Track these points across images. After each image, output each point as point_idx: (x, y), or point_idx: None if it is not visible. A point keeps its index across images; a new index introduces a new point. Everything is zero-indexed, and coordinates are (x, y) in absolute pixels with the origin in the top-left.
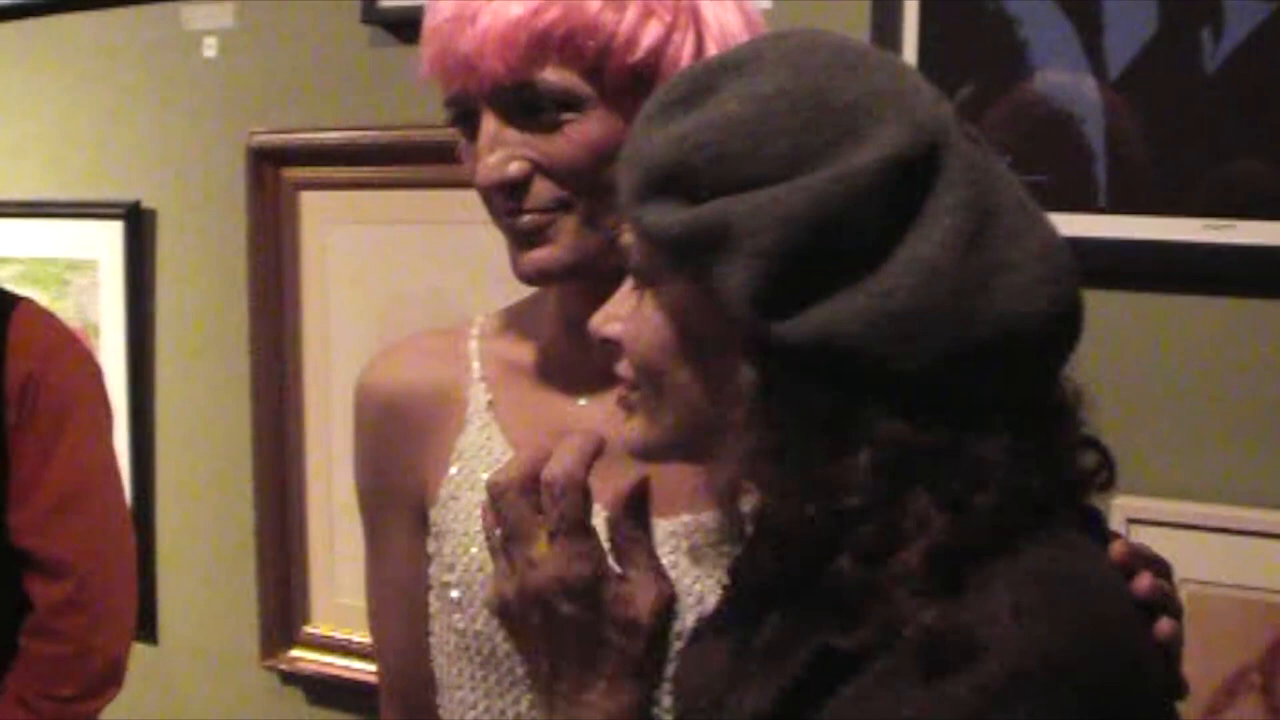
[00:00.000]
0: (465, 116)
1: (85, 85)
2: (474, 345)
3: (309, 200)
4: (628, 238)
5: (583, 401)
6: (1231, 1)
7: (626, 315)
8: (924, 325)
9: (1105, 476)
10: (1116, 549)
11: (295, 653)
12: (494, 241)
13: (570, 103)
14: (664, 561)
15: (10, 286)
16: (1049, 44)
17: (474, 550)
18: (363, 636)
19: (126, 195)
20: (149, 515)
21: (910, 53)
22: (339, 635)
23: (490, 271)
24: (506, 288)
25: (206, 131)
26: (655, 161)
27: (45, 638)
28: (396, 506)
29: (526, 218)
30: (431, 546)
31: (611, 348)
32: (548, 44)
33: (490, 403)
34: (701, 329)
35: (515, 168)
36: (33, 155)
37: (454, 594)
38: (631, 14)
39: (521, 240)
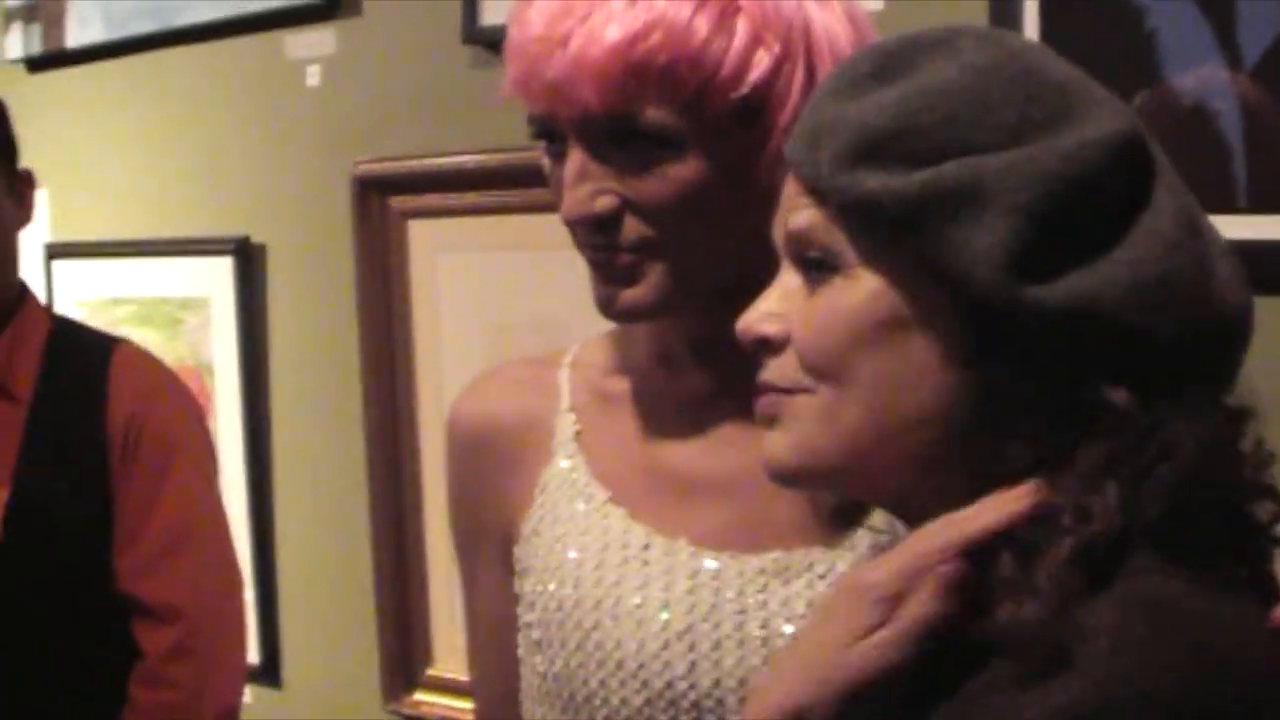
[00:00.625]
0: (550, 135)
1: (191, 120)
2: (564, 374)
3: (416, 229)
4: (801, 219)
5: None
6: None
7: (787, 309)
8: (1172, 296)
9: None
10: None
11: (419, 695)
12: None
13: (667, 140)
14: (750, 601)
15: (126, 328)
16: (1178, 34)
17: (551, 587)
18: None
19: (235, 230)
20: (269, 556)
21: None
22: (463, 677)
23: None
24: None
25: (312, 162)
26: (870, 126)
27: (156, 686)
28: (486, 542)
29: (621, 258)
30: (517, 585)
31: (766, 348)
32: (646, 76)
33: (578, 433)
34: (908, 308)
35: (604, 203)
36: (141, 194)
37: (535, 635)
38: (740, 42)
39: (609, 278)
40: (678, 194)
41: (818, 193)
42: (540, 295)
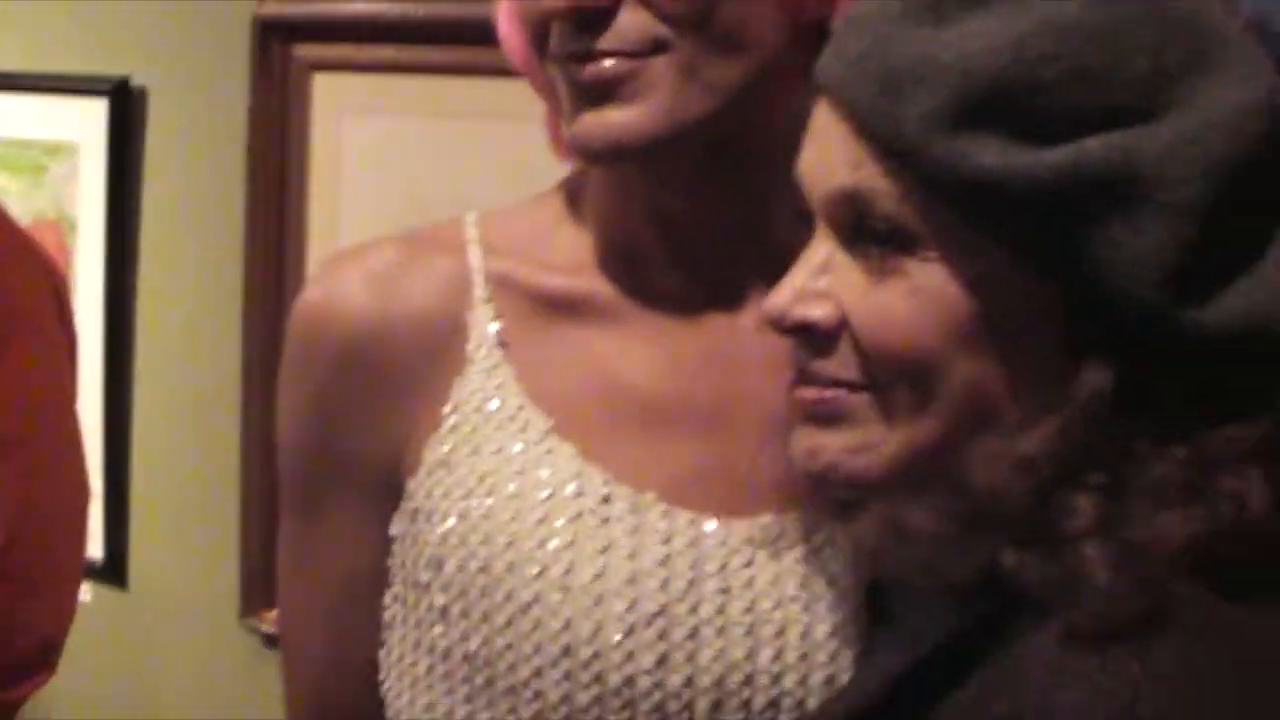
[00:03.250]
0: None
1: None
2: (474, 257)
3: (322, 83)
4: (859, 179)
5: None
6: None
7: (832, 288)
8: None
9: None
10: None
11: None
12: (531, 141)
13: None
14: (735, 579)
15: None
16: None
17: (473, 541)
18: None
19: (114, 70)
20: (124, 446)
21: None
22: None
23: (534, 177)
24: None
25: None
26: (976, 77)
27: None
28: (346, 478)
29: (608, 62)
30: (398, 528)
31: (808, 336)
32: None
33: (501, 337)
34: (1014, 308)
35: None
36: (6, 19)
37: (439, 600)
38: None
39: (592, 93)
40: None
41: (894, 152)
42: (462, 171)
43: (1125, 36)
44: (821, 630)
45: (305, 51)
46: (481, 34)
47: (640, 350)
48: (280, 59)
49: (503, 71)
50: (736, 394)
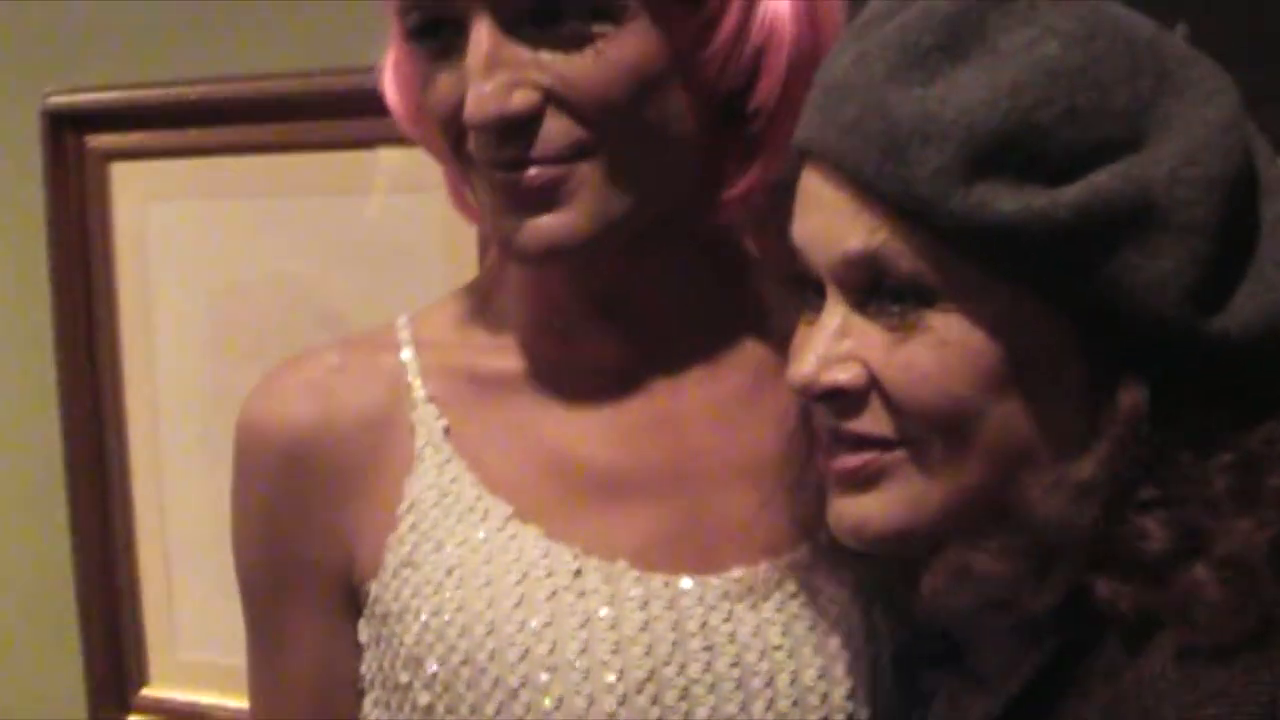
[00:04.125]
0: (433, 28)
1: None
2: (409, 356)
3: (121, 172)
4: (871, 240)
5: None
6: None
7: (856, 349)
8: None
9: None
10: None
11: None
12: (352, 215)
13: (605, 9)
14: (718, 634)
15: None
16: None
17: (451, 634)
18: (212, 697)
19: None
20: None
21: None
22: (181, 697)
23: (348, 250)
24: (373, 269)
25: None
26: (981, 128)
27: None
28: (301, 585)
29: (535, 171)
30: (368, 634)
31: (838, 401)
32: None
33: (447, 430)
34: (1037, 343)
35: (522, 98)
36: None
37: (423, 699)
38: None
39: (522, 202)
40: (617, 78)
41: (908, 212)
42: (271, 249)
43: (1104, 71)
44: (810, 675)
45: (99, 141)
46: (281, 111)
47: (586, 422)
48: (74, 150)
49: (306, 147)
50: (688, 452)
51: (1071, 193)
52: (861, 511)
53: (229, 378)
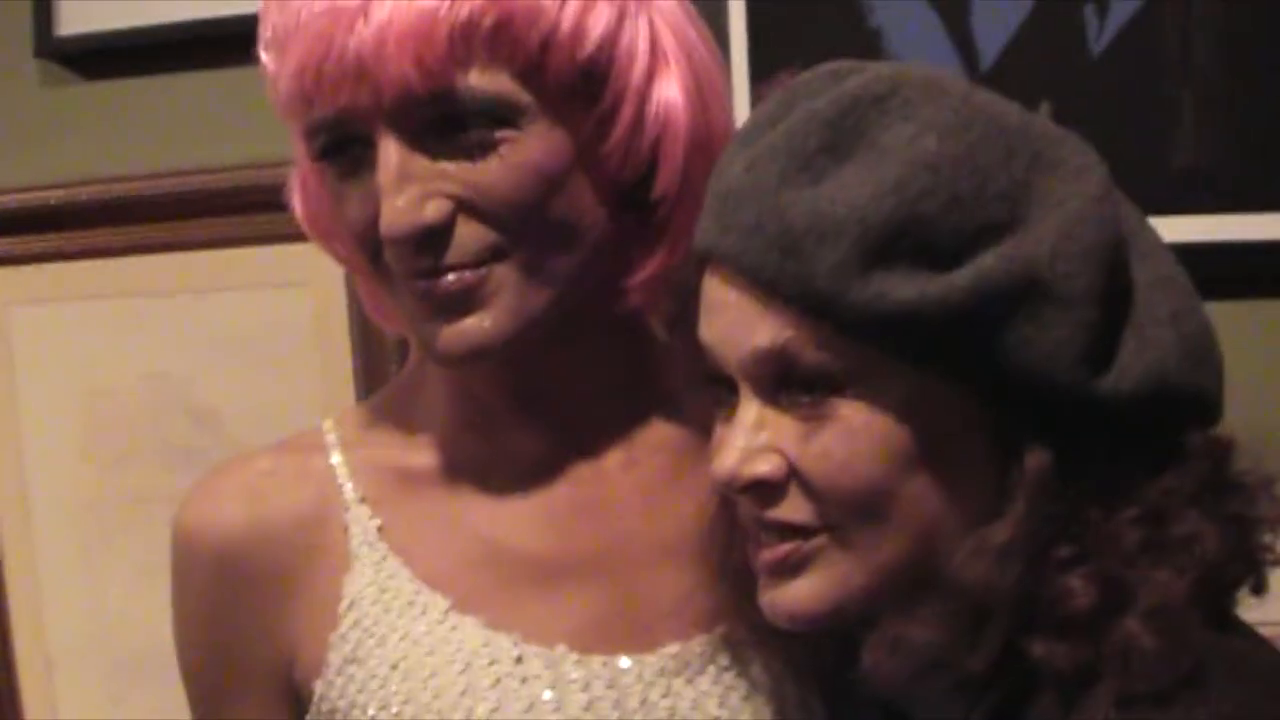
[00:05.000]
0: (340, 146)
1: None
2: (337, 458)
3: None
4: (776, 336)
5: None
6: None
7: (774, 441)
8: (1209, 345)
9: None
10: None
11: None
12: (223, 312)
13: (505, 115)
14: (659, 711)
15: None
16: (908, 31)
17: None
18: None
19: None
20: None
21: (738, 49)
22: None
23: (219, 348)
24: (245, 365)
25: None
26: (872, 223)
27: None
28: (241, 686)
29: (452, 277)
30: None
31: (761, 492)
32: (473, 39)
33: (380, 528)
34: (941, 420)
35: (434, 210)
36: None
37: None
38: None
39: (444, 307)
40: (523, 181)
41: (810, 307)
42: (143, 351)
43: (980, 159)
44: None
45: None
46: (144, 212)
47: (515, 512)
48: None
49: (174, 247)
50: (616, 536)
51: (963, 276)
52: (793, 597)
53: (103, 480)
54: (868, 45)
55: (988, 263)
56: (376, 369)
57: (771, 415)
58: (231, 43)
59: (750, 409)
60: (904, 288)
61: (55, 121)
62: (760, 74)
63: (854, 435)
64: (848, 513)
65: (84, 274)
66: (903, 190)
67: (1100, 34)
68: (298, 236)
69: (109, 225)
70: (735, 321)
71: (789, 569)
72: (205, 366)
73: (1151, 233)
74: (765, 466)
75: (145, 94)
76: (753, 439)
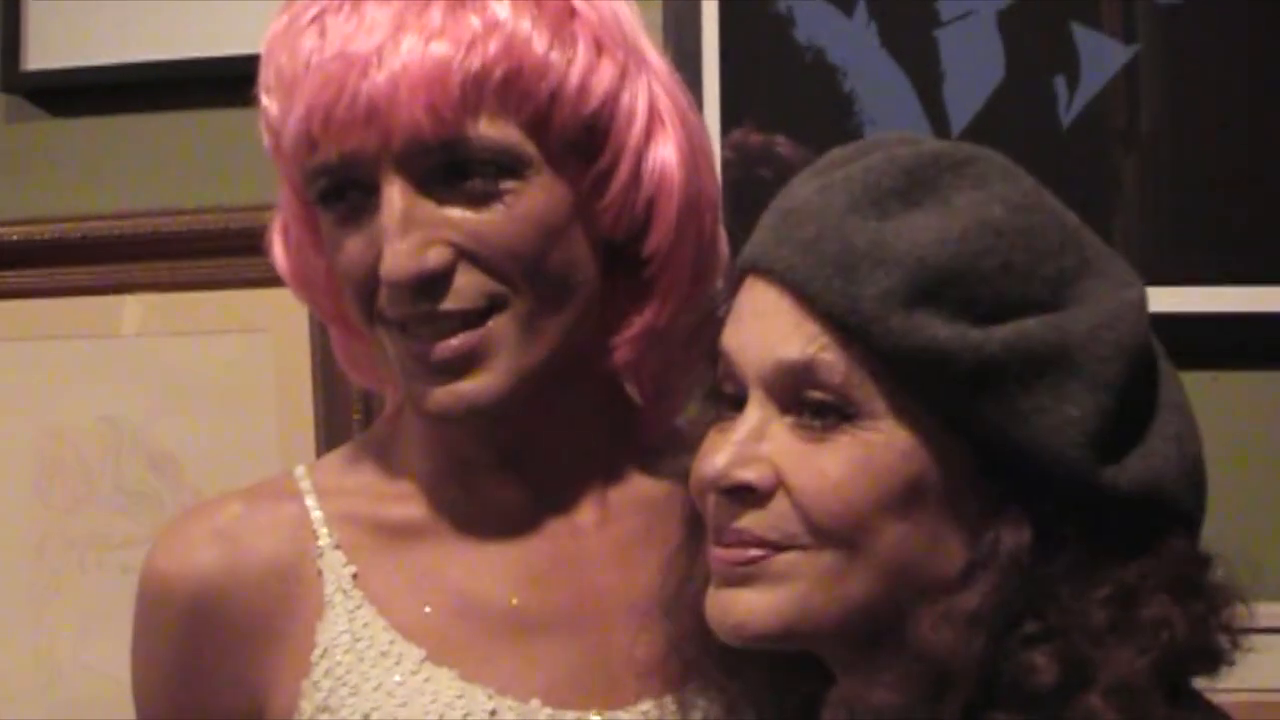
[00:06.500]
0: (340, 191)
1: None
2: (311, 504)
3: None
4: (806, 352)
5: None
6: (1087, 43)
7: (770, 452)
8: (1201, 475)
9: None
10: None
11: None
12: (184, 356)
13: (511, 165)
14: None
15: None
16: (880, 97)
17: None
18: None
19: None
20: None
21: (711, 112)
22: None
23: (183, 393)
24: (204, 410)
25: None
26: (930, 263)
27: None
28: None
29: (455, 341)
30: None
31: (741, 497)
32: (484, 88)
33: (355, 576)
34: (938, 468)
35: (437, 256)
36: None
37: None
38: (583, 54)
39: (442, 369)
40: (525, 231)
41: (848, 325)
42: (98, 392)
43: (1039, 242)
44: None
45: None
46: (105, 252)
47: (491, 565)
48: None
49: (133, 288)
50: (590, 592)
51: (1002, 331)
52: (746, 607)
53: (56, 523)
54: (841, 111)
55: (1028, 325)
56: (337, 416)
57: (774, 429)
58: (198, 86)
59: (754, 415)
60: (941, 328)
61: (18, 157)
62: None
63: (853, 463)
64: (824, 537)
65: (41, 313)
66: (965, 243)
67: (1070, 105)
68: (261, 281)
69: (68, 264)
70: (768, 329)
71: (747, 576)
72: (163, 410)
73: (1169, 363)
74: (754, 474)
75: (111, 133)
76: (750, 445)
